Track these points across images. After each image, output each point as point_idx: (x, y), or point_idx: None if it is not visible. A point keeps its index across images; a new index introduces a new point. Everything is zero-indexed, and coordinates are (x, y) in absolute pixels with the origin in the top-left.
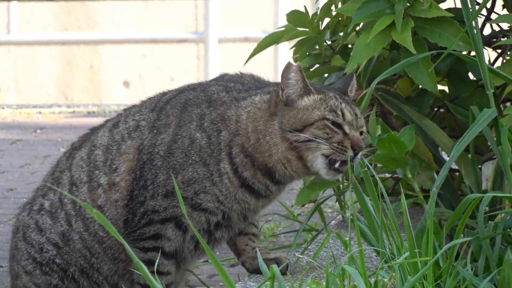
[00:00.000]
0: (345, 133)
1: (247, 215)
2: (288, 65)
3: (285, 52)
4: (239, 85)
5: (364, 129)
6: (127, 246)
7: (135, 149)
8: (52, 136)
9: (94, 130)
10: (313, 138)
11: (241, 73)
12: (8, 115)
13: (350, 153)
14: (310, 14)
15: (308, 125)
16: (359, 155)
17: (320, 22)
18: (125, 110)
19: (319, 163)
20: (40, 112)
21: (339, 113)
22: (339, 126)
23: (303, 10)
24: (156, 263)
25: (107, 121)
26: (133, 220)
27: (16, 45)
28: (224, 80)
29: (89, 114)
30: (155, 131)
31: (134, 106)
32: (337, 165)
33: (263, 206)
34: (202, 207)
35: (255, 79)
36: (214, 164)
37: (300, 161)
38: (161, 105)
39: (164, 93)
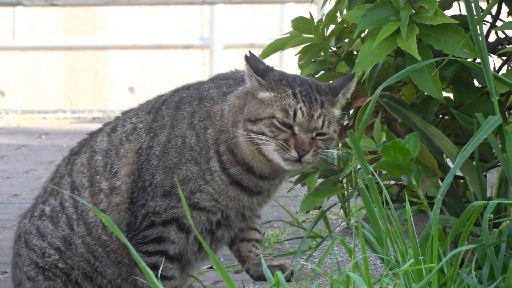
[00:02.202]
0: (293, 134)
1: (244, 213)
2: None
3: (290, 58)
4: (230, 81)
5: (325, 130)
6: (133, 251)
7: (134, 152)
8: (57, 141)
9: (92, 134)
10: (259, 137)
11: (235, 69)
12: (13, 120)
13: (294, 153)
14: (315, 20)
15: (259, 120)
16: (307, 156)
17: (325, 29)
18: (123, 113)
19: (275, 157)
20: (45, 118)
21: (291, 113)
22: (290, 126)
23: (308, 16)
24: (161, 268)
25: (105, 125)
26: (135, 223)
27: (22, 50)
28: (218, 78)
29: (94, 119)
30: (151, 133)
31: (131, 109)
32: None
33: (259, 203)
34: (200, 206)
35: None
36: (204, 163)
37: (260, 154)
38: (157, 106)
39: (161, 95)
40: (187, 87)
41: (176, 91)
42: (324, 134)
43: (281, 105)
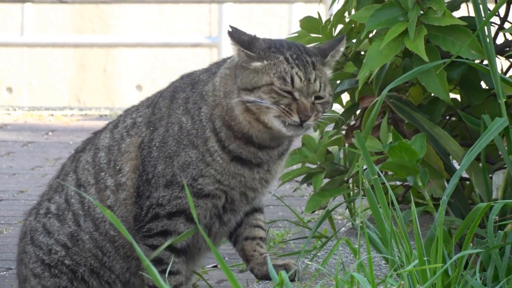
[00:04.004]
0: (294, 99)
1: (247, 194)
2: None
3: None
4: (220, 62)
5: (322, 93)
6: (138, 250)
7: (136, 147)
8: (64, 138)
9: (97, 133)
10: (260, 101)
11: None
12: (20, 116)
13: (296, 118)
14: (324, 20)
15: (257, 88)
16: (309, 121)
17: (333, 29)
18: (125, 111)
19: (275, 124)
20: (52, 115)
21: (288, 80)
22: (288, 92)
23: (316, 16)
24: (170, 264)
25: (109, 123)
26: (140, 214)
27: (30, 46)
28: (209, 65)
29: (101, 117)
30: (151, 127)
31: (132, 106)
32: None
33: (260, 180)
34: (204, 192)
35: None
36: (202, 145)
37: (259, 122)
38: (156, 100)
39: (159, 91)
40: (180, 77)
41: (171, 83)
42: (321, 97)
43: (277, 72)
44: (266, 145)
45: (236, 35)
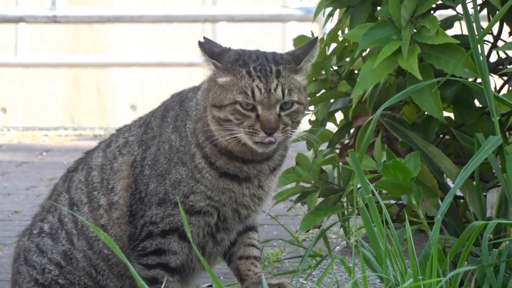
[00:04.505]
0: (257, 116)
1: (239, 211)
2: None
3: None
4: (207, 79)
5: (287, 99)
6: (132, 269)
7: (128, 165)
8: (58, 159)
9: (89, 153)
10: (227, 123)
11: None
12: (14, 137)
13: (262, 135)
14: None
15: (223, 106)
16: (276, 134)
17: (327, 48)
18: (117, 130)
19: (247, 141)
20: (46, 135)
21: (249, 93)
22: (253, 107)
23: (310, 35)
24: (163, 283)
25: (100, 143)
26: (134, 233)
27: (24, 67)
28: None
29: (96, 137)
30: (144, 146)
31: (125, 125)
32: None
33: (251, 195)
34: (196, 209)
35: None
36: (190, 161)
37: (234, 139)
38: (148, 120)
39: (151, 111)
40: (171, 96)
41: (162, 102)
42: (288, 105)
43: (239, 88)
44: (250, 158)
45: (206, 46)
